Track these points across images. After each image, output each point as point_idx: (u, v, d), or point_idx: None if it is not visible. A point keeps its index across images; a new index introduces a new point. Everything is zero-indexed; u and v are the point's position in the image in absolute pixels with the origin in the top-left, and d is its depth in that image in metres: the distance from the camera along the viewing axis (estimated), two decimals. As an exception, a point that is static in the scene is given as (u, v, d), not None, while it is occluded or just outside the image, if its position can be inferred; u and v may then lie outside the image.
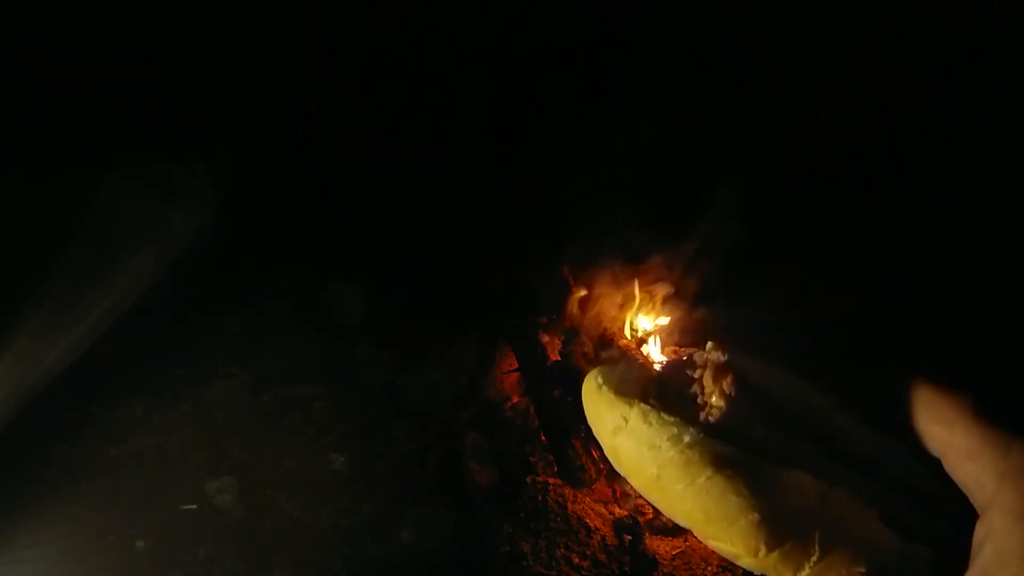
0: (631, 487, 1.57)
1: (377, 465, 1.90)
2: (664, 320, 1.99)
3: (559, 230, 2.10)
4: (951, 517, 0.43)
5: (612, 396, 0.48)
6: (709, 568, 1.61)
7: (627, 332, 1.96)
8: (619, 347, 1.83)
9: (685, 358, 0.50)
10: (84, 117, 1.99)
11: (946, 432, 0.43)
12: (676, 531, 1.73)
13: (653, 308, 1.96)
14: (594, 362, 1.83)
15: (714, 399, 0.46)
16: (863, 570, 0.42)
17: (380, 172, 2.31)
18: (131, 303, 1.89)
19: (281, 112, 2.19)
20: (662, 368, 0.52)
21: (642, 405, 0.46)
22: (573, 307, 2.01)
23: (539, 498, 1.73)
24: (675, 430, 0.44)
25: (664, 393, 0.49)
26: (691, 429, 0.44)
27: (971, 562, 0.40)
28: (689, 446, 0.44)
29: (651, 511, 1.79)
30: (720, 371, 0.47)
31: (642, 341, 1.96)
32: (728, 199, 1.91)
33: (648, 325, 1.99)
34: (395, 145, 2.30)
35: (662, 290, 1.95)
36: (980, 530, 0.40)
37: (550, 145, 2.27)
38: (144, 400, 1.93)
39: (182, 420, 1.91)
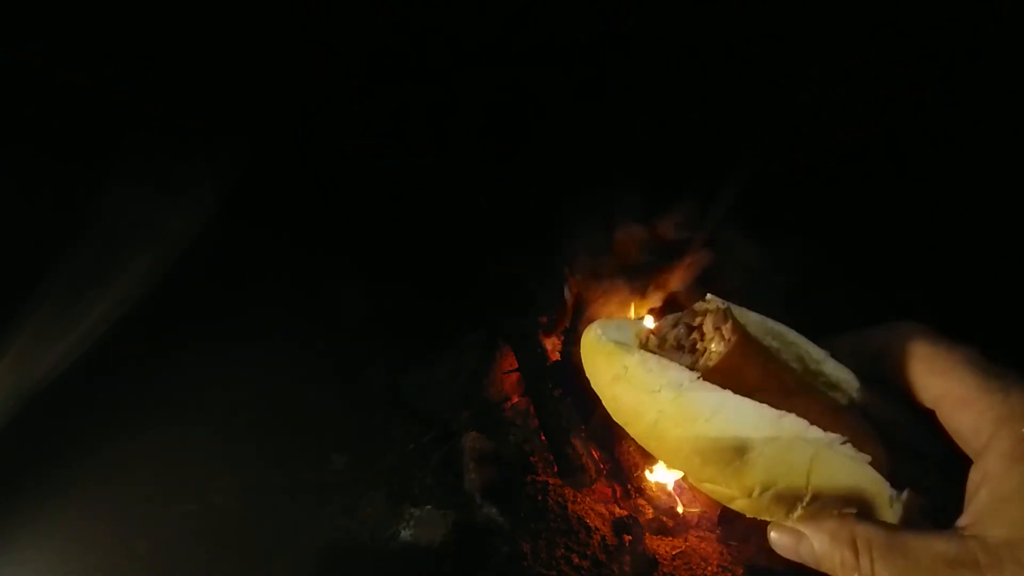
0: (631, 488, 1.57)
1: (377, 465, 1.90)
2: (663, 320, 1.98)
3: (559, 230, 2.10)
4: (942, 467, 0.44)
5: (611, 345, 0.48)
6: (709, 568, 1.61)
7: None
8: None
9: (686, 311, 0.50)
10: (84, 117, 1.99)
11: (942, 382, 0.43)
12: (676, 531, 1.73)
13: (653, 308, 1.96)
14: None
15: (713, 345, 0.46)
16: (854, 511, 0.42)
17: (380, 172, 2.31)
18: (131, 303, 1.89)
19: (281, 112, 2.19)
20: (661, 321, 0.51)
21: (642, 352, 0.46)
22: (573, 307, 2.01)
23: (539, 498, 1.73)
24: (674, 374, 0.44)
25: (664, 342, 0.49)
26: (690, 373, 0.44)
27: (965, 507, 0.40)
28: (688, 389, 0.44)
29: (651, 511, 1.79)
30: (719, 317, 0.47)
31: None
32: (729, 199, 1.91)
33: (649, 325, 1.99)
34: (395, 145, 2.30)
35: (662, 290, 1.95)
36: (975, 475, 0.40)
37: (550, 145, 2.27)
38: (144, 401, 1.93)
39: (183, 421, 1.91)
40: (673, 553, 1.64)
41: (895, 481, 0.43)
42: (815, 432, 0.42)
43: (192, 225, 1.98)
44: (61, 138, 1.99)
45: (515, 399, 2.02)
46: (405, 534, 1.73)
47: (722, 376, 0.44)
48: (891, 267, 1.94)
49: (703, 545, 1.67)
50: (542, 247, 2.13)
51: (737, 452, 0.42)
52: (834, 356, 0.49)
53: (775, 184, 1.98)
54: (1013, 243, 1.84)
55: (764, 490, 0.43)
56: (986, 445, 0.39)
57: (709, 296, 0.50)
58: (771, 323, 0.51)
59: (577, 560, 1.61)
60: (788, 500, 0.43)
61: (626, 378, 0.46)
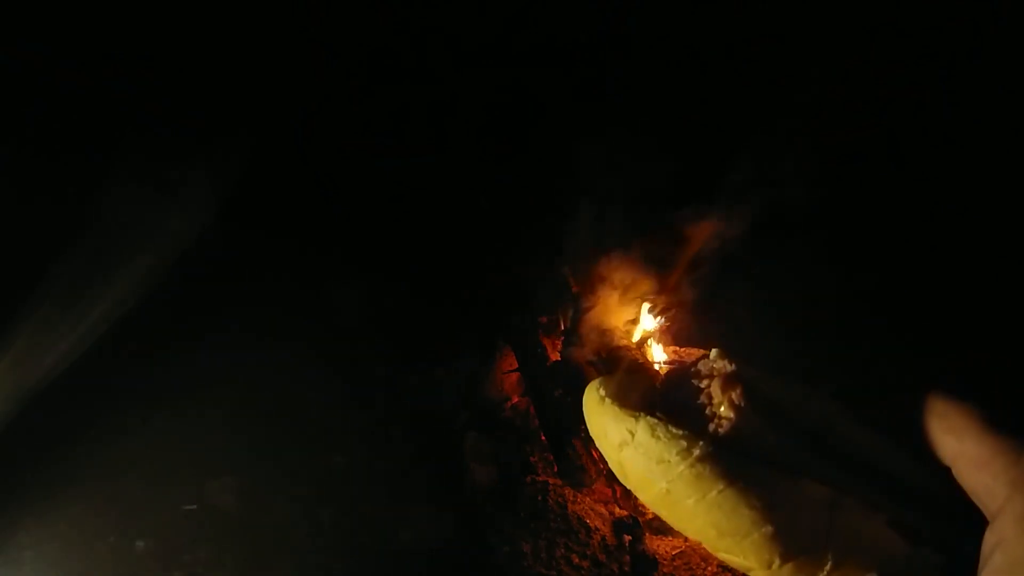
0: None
1: (377, 465, 1.90)
2: (664, 321, 1.99)
3: (559, 230, 2.10)
4: (959, 524, 0.43)
5: (616, 409, 0.46)
6: (709, 568, 1.61)
7: (627, 332, 1.96)
8: (619, 347, 1.83)
9: (690, 368, 0.49)
10: (84, 117, 1.99)
11: (956, 442, 0.43)
12: (676, 531, 1.73)
13: (654, 308, 1.96)
14: (594, 362, 1.83)
15: (723, 410, 0.45)
16: (875, 573, 0.42)
17: (380, 172, 2.31)
18: (131, 303, 1.89)
19: (281, 112, 2.19)
20: (665, 377, 0.50)
21: (648, 418, 0.45)
22: (573, 307, 2.01)
23: (539, 498, 1.73)
24: (684, 444, 0.43)
25: (669, 404, 0.47)
26: (701, 442, 0.43)
27: (980, 568, 0.40)
28: (699, 460, 0.42)
29: (651, 511, 1.79)
30: (729, 381, 0.46)
31: (643, 341, 1.96)
32: (729, 199, 1.91)
33: (649, 325, 1.99)
34: (395, 145, 2.30)
35: (663, 290, 1.95)
36: (990, 537, 0.40)
37: (550, 145, 2.27)
38: (144, 400, 1.93)
39: (182, 420, 1.91)
40: (673, 553, 1.64)
41: (913, 539, 0.42)
42: (832, 495, 0.42)
43: (192, 225, 1.98)
44: (61, 138, 1.99)
45: (515, 399, 2.02)
46: (405, 534, 1.73)
47: (734, 441, 0.43)
48: (893, 269, 1.94)
49: (703, 545, 1.67)
50: (542, 247, 2.13)
51: (754, 524, 0.41)
52: (846, 408, 0.48)
53: (775, 184, 1.98)
54: (1013, 243, 1.84)
55: (784, 562, 0.42)
56: (1001, 508, 0.40)
57: (714, 353, 0.49)
58: (781, 379, 0.50)
59: (577, 560, 1.61)
60: (809, 569, 0.42)
61: (633, 445, 0.45)
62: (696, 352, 1.99)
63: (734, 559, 0.44)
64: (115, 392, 1.92)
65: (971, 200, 1.93)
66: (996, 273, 1.83)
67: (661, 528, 1.73)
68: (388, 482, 1.85)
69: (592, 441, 1.83)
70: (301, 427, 1.96)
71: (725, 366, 0.47)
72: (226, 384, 1.98)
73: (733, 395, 0.45)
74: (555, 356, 1.98)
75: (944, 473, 0.44)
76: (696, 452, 0.42)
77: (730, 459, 0.42)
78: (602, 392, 0.48)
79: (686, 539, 1.71)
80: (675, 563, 1.62)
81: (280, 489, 1.83)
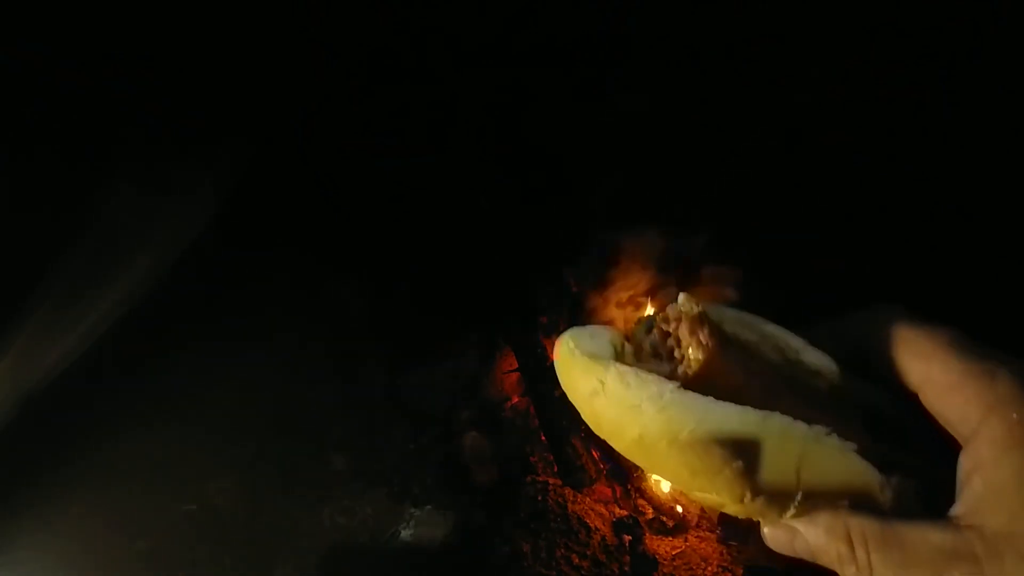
0: (631, 488, 1.57)
1: (377, 465, 1.90)
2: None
3: (559, 230, 2.10)
4: (931, 449, 0.43)
5: (586, 359, 0.46)
6: (709, 568, 1.61)
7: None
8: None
9: (658, 314, 0.49)
10: (84, 117, 1.99)
11: (925, 366, 0.41)
12: (676, 531, 1.73)
13: (654, 309, 1.96)
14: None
15: (691, 351, 0.45)
16: (847, 503, 0.42)
17: (380, 172, 2.31)
18: (131, 304, 1.89)
19: (281, 112, 2.19)
20: (634, 325, 0.50)
21: (618, 366, 0.44)
22: (573, 308, 2.01)
23: (539, 498, 1.73)
24: (654, 388, 0.43)
25: (639, 351, 0.47)
26: (670, 385, 0.43)
27: (958, 494, 0.39)
28: (669, 403, 0.42)
29: (651, 511, 1.79)
30: (695, 322, 0.46)
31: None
32: (729, 199, 1.91)
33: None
34: (395, 145, 2.30)
35: (662, 290, 1.95)
36: (966, 462, 0.39)
37: (550, 145, 2.27)
38: (144, 401, 1.93)
39: (182, 421, 1.91)
40: (673, 553, 1.64)
41: (884, 467, 0.42)
42: (800, 428, 0.42)
43: (192, 225, 1.98)
44: (61, 138, 1.99)
45: (515, 399, 2.02)
46: (405, 534, 1.73)
47: (703, 382, 0.43)
48: (892, 268, 1.94)
49: (703, 545, 1.67)
50: (542, 247, 2.13)
51: (725, 460, 0.41)
52: (813, 343, 0.48)
53: (775, 184, 1.98)
54: (1012, 242, 1.84)
55: (755, 495, 0.42)
56: (975, 431, 0.38)
57: (682, 297, 0.48)
58: (747, 316, 0.49)
59: (577, 560, 1.61)
60: (780, 500, 0.42)
61: (604, 394, 0.44)
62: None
63: (707, 496, 0.44)
64: (115, 393, 1.92)
65: (971, 200, 1.93)
66: (995, 272, 1.84)
67: (661, 528, 1.73)
68: (388, 482, 1.85)
69: (592, 441, 1.84)
70: (301, 427, 1.96)
71: (692, 308, 0.47)
72: (226, 384, 1.98)
73: (700, 335, 0.45)
74: (555, 356, 1.98)
75: (912, 399, 0.43)
76: (666, 395, 0.42)
77: (699, 400, 0.42)
78: (571, 344, 0.47)
79: (686, 539, 1.70)
80: (675, 563, 1.62)
81: (280, 489, 1.83)
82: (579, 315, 1.98)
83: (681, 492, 1.79)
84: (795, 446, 0.41)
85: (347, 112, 2.30)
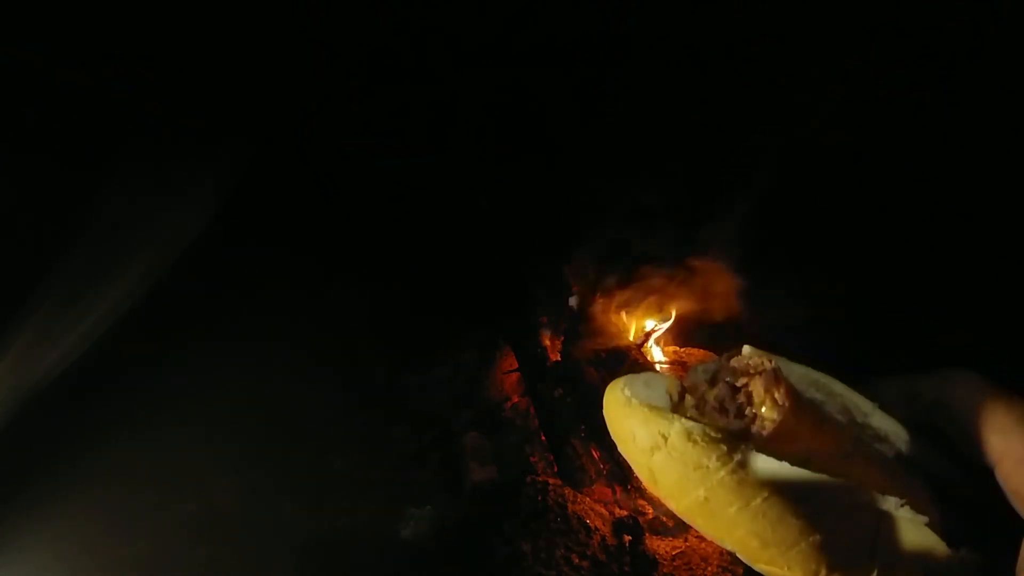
0: (631, 488, 1.57)
1: (377, 465, 1.90)
2: (664, 320, 1.99)
3: (559, 231, 2.10)
4: (996, 524, 0.42)
5: (646, 410, 0.42)
6: (709, 568, 1.61)
7: (627, 332, 1.96)
8: (620, 347, 1.83)
9: (723, 364, 0.45)
10: (84, 117, 1.99)
11: (1003, 440, 0.41)
12: (676, 531, 1.73)
13: (653, 309, 1.96)
14: (594, 362, 1.83)
15: (765, 410, 0.41)
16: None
17: (380, 172, 2.31)
18: (131, 304, 1.89)
19: (281, 112, 2.19)
20: (692, 375, 0.47)
21: (684, 420, 0.41)
22: (573, 307, 2.01)
23: (539, 498, 1.73)
24: (725, 447, 0.39)
25: (702, 405, 0.44)
26: (743, 445, 0.39)
27: (1019, 568, 0.39)
28: (742, 464, 0.39)
29: (651, 511, 1.79)
30: (771, 379, 0.42)
31: (643, 341, 1.96)
32: (729, 200, 1.91)
33: (649, 325, 1.99)
34: (395, 145, 2.30)
35: (662, 291, 1.95)
36: None
37: (551, 145, 2.27)
38: (144, 401, 1.93)
39: (183, 422, 1.91)
40: (673, 553, 1.64)
41: (950, 536, 0.41)
42: (876, 499, 0.40)
43: (192, 225, 1.98)
44: (61, 138, 1.99)
45: (515, 399, 2.02)
46: (405, 534, 1.73)
47: (775, 443, 0.40)
48: (896, 268, 1.94)
49: (703, 545, 1.67)
50: (542, 247, 2.13)
51: (802, 533, 0.39)
52: (881, 404, 0.45)
53: (775, 185, 1.98)
54: (1013, 246, 1.84)
55: (831, 571, 0.40)
56: None
57: (747, 349, 0.45)
58: (814, 373, 0.47)
59: (577, 560, 1.61)
60: (860, 573, 0.40)
61: (667, 450, 0.41)
62: (697, 352, 1.99)
63: (776, 570, 0.41)
64: (115, 393, 1.92)
65: (972, 201, 1.93)
66: (996, 274, 1.83)
67: (661, 528, 1.73)
68: (388, 482, 1.85)
69: (592, 441, 1.84)
70: (301, 428, 1.96)
71: (764, 363, 0.43)
72: (226, 384, 1.98)
73: (776, 394, 0.41)
74: (555, 356, 1.98)
75: (985, 473, 0.42)
76: (738, 456, 0.39)
77: (774, 463, 0.39)
78: (627, 392, 0.44)
79: (686, 539, 1.70)
80: (675, 563, 1.62)
81: (280, 490, 1.83)
82: (579, 315, 1.98)
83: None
84: (870, 518, 0.40)
85: (347, 112, 2.30)
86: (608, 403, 0.45)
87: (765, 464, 0.39)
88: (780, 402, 0.41)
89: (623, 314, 1.97)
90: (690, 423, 0.41)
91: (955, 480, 0.44)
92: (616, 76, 2.22)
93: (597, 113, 2.25)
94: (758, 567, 0.42)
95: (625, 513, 1.75)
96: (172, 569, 1.65)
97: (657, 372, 0.48)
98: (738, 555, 0.42)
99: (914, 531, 0.40)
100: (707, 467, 0.39)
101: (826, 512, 0.39)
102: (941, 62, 1.94)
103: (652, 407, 0.42)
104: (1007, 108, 1.88)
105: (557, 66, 2.23)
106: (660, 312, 1.98)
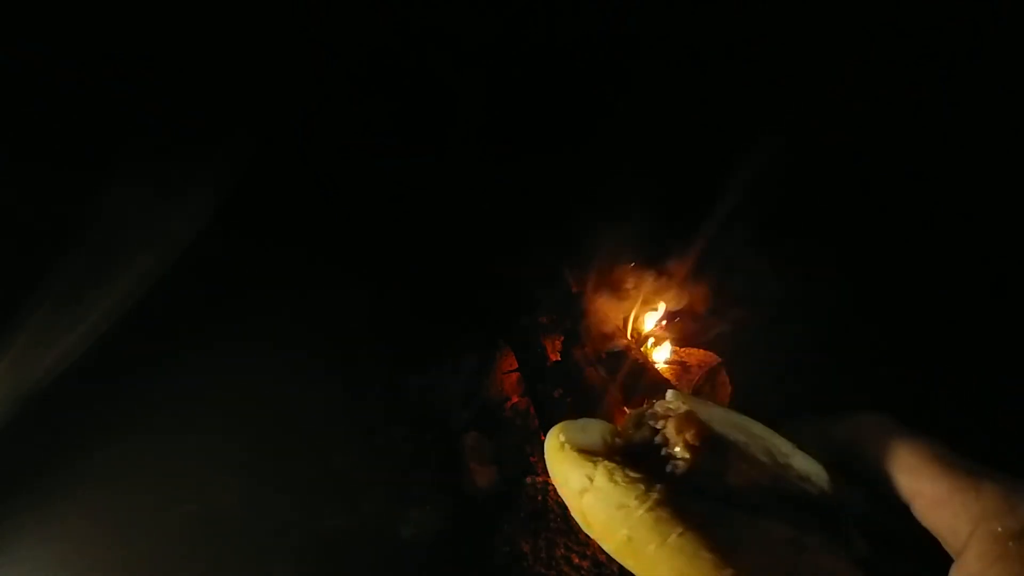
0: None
1: (377, 465, 1.90)
2: (665, 321, 1.99)
3: (559, 231, 2.10)
4: (921, 559, 0.43)
5: (575, 455, 0.46)
6: (709, 568, 1.61)
7: (628, 332, 1.96)
8: (620, 347, 1.83)
9: (647, 410, 0.49)
10: (84, 117, 1.99)
11: (913, 481, 0.42)
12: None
13: (653, 309, 1.97)
14: (595, 363, 1.83)
15: (678, 451, 0.45)
16: None
17: (380, 172, 2.31)
18: (131, 304, 1.89)
19: (281, 112, 2.19)
20: (624, 421, 0.50)
21: (606, 462, 0.44)
22: (573, 307, 2.01)
23: (539, 498, 1.73)
24: (642, 487, 0.42)
25: (628, 448, 0.47)
26: (658, 486, 0.42)
27: None
28: (658, 503, 0.42)
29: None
30: (683, 422, 0.46)
31: (643, 342, 1.96)
32: (729, 200, 1.91)
33: (648, 325, 1.99)
34: (395, 145, 2.30)
35: (662, 291, 1.95)
36: (956, 575, 0.40)
37: (551, 146, 2.27)
38: (144, 401, 1.93)
39: (183, 421, 1.91)
40: (673, 553, 1.64)
41: (875, 573, 0.42)
42: (790, 535, 0.41)
43: (193, 226, 1.98)
44: (61, 138, 1.99)
45: (515, 399, 2.02)
46: (405, 534, 1.73)
47: (694, 486, 0.43)
48: (890, 270, 1.94)
49: None
50: (543, 247, 2.13)
51: (716, 567, 0.40)
52: (800, 446, 0.47)
53: (775, 185, 1.98)
54: (1013, 248, 1.84)
55: None
56: (964, 544, 0.39)
57: (670, 394, 0.49)
58: (735, 416, 0.49)
59: (577, 560, 1.61)
60: None
61: (593, 491, 0.44)
62: (696, 352, 1.99)
63: None
64: (115, 393, 1.92)
65: (971, 201, 1.93)
66: (993, 278, 1.83)
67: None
68: (388, 482, 1.85)
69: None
70: (301, 428, 1.96)
71: (679, 406, 0.47)
72: (226, 384, 1.98)
73: (688, 436, 0.45)
74: (555, 356, 1.98)
75: (904, 511, 0.43)
76: (654, 495, 0.42)
77: (688, 501, 0.42)
78: (562, 438, 0.47)
79: None
80: (675, 563, 1.62)
81: (280, 490, 1.83)
82: (580, 315, 1.98)
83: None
84: (789, 554, 0.41)
85: (347, 112, 2.30)
86: (547, 449, 0.48)
87: (679, 501, 0.41)
88: (692, 442, 0.44)
89: (623, 314, 1.97)
90: (612, 464, 0.43)
91: (878, 519, 0.45)
92: (617, 76, 2.22)
93: (598, 113, 2.25)
94: None
95: (625, 513, 1.75)
96: (172, 569, 1.65)
97: (594, 419, 0.51)
98: None
99: (833, 567, 0.41)
100: (628, 506, 0.42)
101: (742, 546, 0.41)
102: (941, 62, 1.94)
103: (581, 452, 0.46)
104: (1007, 108, 1.88)
105: (558, 66, 2.23)
106: (660, 312, 1.98)
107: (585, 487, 0.44)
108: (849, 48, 1.97)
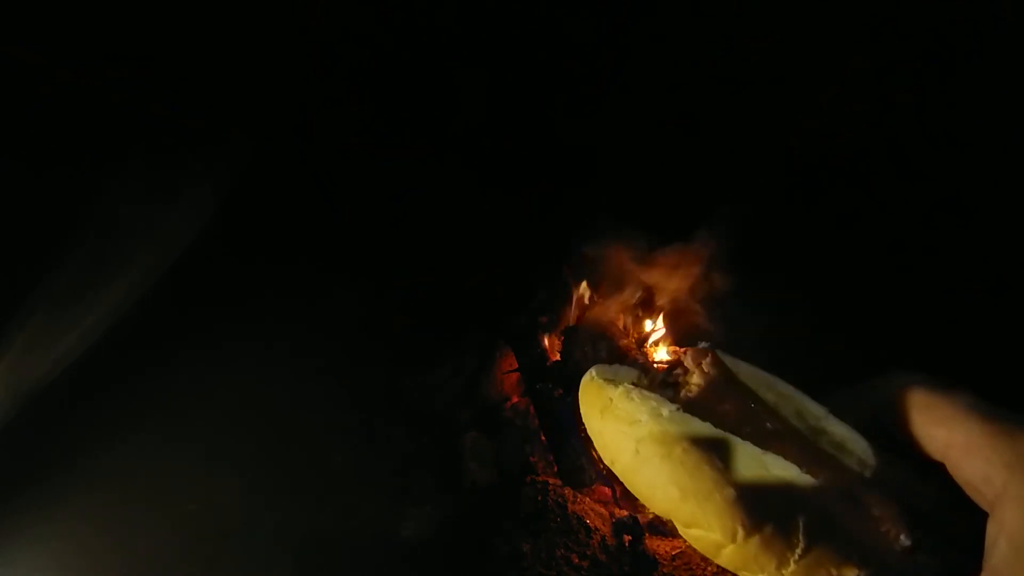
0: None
1: (377, 465, 1.90)
2: (665, 321, 1.99)
3: (559, 230, 2.10)
4: (952, 528, 0.42)
5: (600, 382, 0.50)
6: (709, 568, 1.61)
7: (627, 332, 1.96)
8: (620, 347, 1.83)
9: (679, 356, 0.52)
10: (84, 117, 1.99)
11: (946, 432, 0.42)
12: (676, 531, 1.73)
13: (653, 309, 1.96)
14: (594, 362, 1.83)
15: (693, 377, 0.48)
16: (856, 572, 0.40)
17: (380, 173, 2.31)
18: (131, 305, 1.89)
19: (281, 112, 2.19)
20: (654, 364, 0.53)
21: (627, 385, 0.48)
22: (573, 307, 2.01)
23: (539, 498, 1.73)
24: (654, 404, 0.45)
25: (652, 382, 0.51)
26: (670, 404, 0.45)
27: (985, 561, 0.38)
28: (667, 419, 0.44)
29: (651, 511, 1.79)
30: (699, 353, 0.49)
31: (643, 341, 1.96)
32: (729, 200, 1.91)
33: (648, 325, 1.99)
34: (395, 145, 2.30)
35: (662, 291, 1.95)
36: (992, 527, 0.39)
37: (551, 145, 2.27)
38: (144, 401, 1.93)
39: (183, 421, 1.91)
40: (673, 553, 1.64)
41: (906, 542, 0.41)
42: (807, 479, 0.41)
43: (193, 225, 1.98)
44: (61, 138, 1.99)
45: (515, 399, 2.02)
46: (405, 534, 1.73)
47: (706, 413, 0.45)
48: (888, 268, 1.94)
49: (671, 519, 1.67)
50: (542, 247, 2.13)
51: (716, 485, 0.42)
52: (833, 412, 0.48)
53: (775, 185, 1.98)
54: (1013, 245, 1.84)
55: (749, 534, 0.41)
56: (1000, 493, 0.38)
57: (702, 344, 0.51)
58: (766, 375, 0.50)
59: (577, 560, 1.61)
60: (778, 549, 0.41)
61: (611, 410, 0.47)
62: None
63: (700, 534, 0.44)
64: (115, 393, 1.92)
65: (971, 201, 1.93)
66: (992, 275, 1.83)
67: (661, 528, 1.73)
68: (388, 482, 1.85)
69: (592, 441, 1.84)
70: (301, 428, 1.96)
71: (700, 344, 0.51)
72: (226, 384, 1.98)
73: (704, 364, 0.48)
74: (555, 356, 1.98)
75: (936, 468, 0.43)
76: (664, 412, 0.45)
77: (697, 422, 0.44)
78: (593, 373, 0.52)
79: (686, 540, 1.70)
80: (675, 563, 1.62)
81: (280, 490, 1.83)
82: (579, 315, 1.98)
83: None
84: (797, 492, 0.41)
85: (347, 112, 2.30)
86: (581, 387, 0.53)
87: (688, 420, 0.44)
88: (706, 370, 0.48)
89: (623, 314, 1.97)
90: (631, 387, 0.48)
91: (910, 484, 0.45)
92: (617, 76, 2.22)
93: (599, 113, 2.25)
94: (689, 536, 0.46)
95: (625, 513, 1.75)
96: (172, 569, 1.65)
97: (630, 366, 0.54)
98: (674, 521, 0.45)
99: (854, 520, 0.42)
100: (639, 421, 0.45)
101: (744, 471, 0.42)
102: (941, 62, 1.94)
103: (607, 380, 0.50)
104: (1007, 108, 1.88)
105: (559, 66, 2.23)
106: (660, 312, 1.98)
107: (605, 406, 0.48)
108: (848, 48, 1.98)
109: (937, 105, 1.95)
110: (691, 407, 0.45)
